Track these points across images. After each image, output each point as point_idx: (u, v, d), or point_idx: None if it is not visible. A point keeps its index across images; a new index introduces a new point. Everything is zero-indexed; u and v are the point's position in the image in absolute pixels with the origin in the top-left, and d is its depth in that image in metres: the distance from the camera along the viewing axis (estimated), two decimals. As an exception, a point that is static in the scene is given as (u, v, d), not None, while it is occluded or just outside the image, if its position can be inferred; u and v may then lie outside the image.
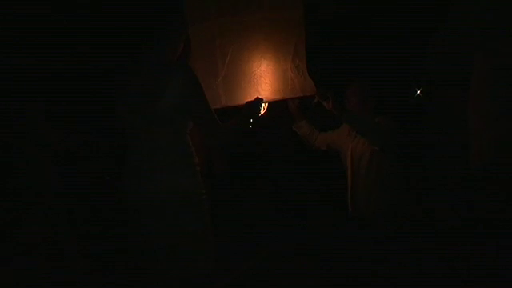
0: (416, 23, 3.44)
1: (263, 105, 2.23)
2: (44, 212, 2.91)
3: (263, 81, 2.25)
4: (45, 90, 2.99)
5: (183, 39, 1.98)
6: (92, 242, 3.08)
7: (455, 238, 2.76)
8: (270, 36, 2.26)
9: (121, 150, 1.96)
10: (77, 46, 3.16)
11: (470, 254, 2.24)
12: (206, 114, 1.88)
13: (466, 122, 2.02)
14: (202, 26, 2.27)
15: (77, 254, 2.96)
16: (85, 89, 3.16)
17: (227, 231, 3.19)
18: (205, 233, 1.85)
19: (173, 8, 1.92)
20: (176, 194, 1.78)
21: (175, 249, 1.81)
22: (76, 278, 2.84)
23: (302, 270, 3.07)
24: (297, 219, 3.84)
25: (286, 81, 2.29)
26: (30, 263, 2.83)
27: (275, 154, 4.38)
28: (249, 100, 2.17)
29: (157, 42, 1.89)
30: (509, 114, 1.87)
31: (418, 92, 3.46)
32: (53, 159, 2.95)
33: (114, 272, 2.90)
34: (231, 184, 3.53)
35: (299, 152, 4.12)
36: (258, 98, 2.16)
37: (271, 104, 2.30)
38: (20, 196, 2.96)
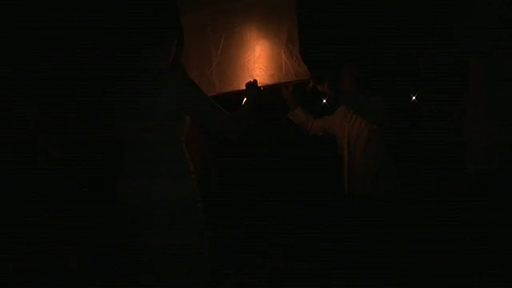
0: (415, 25, 3.45)
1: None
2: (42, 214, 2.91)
3: (257, 66, 2.25)
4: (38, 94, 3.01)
5: (176, 43, 1.96)
6: (91, 246, 3.08)
7: (453, 234, 2.78)
8: (263, 22, 2.26)
9: (115, 156, 1.96)
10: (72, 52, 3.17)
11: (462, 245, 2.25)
12: (212, 113, 1.87)
13: (461, 127, 2.04)
14: (194, 14, 2.26)
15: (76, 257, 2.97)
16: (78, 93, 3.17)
17: (229, 232, 3.21)
18: (201, 239, 1.85)
19: (166, 16, 1.91)
20: (171, 202, 1.78)
21: (172, 256, 1.81)
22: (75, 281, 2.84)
23: (304, 269, 3.07)
24: (298, 217, 3.85)
25: (280, 66, 2.29)
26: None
27: (275, 153, 4.38)
28: (243, 87, 2.16)
29: (151, 49, 1.87)
30: (503, 122, 1.89)
31: (414, 98, 3.46)
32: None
33: (114, 277, 2.90)
34: (231, 185, 3.54)
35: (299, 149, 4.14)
36: (250, 81, 2.15)
37: (266, 90, 2.28)
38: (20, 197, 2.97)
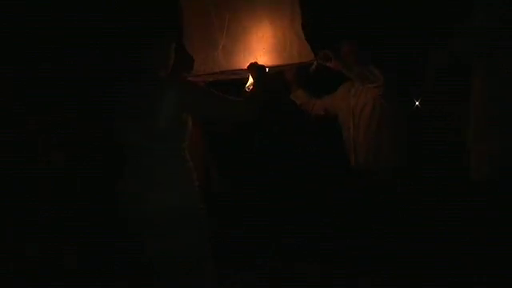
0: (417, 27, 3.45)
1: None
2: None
3: (261, 47, 2.23)
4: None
5: (174, 46, 1.95)
6: (91, 246, 3.08)
7: (453, 234, 2.79)
8: (266, 2, 2.24)
9: (115, 156, 1.96)
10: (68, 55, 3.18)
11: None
12: (220, 106, 1.87)
13: (461, 127, 2.04)
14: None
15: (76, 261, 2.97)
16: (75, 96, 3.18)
17: (229, 232, 3.20)
18: (201, 240, 1.85)
19: (166, 17, 1.91)
20: (175, 210, 1.77)
21: (172, 256, 1.81)
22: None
23: (304, 269, 3.07)
24: (298, 217, 3.84)
25: (284, 47, 2.26)
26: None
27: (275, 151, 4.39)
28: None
29: (151, 49, 1.86)
30: (504, 123, 1.89)
31: (417, 103, 3.48)
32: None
33: (114, 277, 2.90)
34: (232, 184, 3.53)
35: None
36: (252, 63, 2.13)
37: (270, 72, 2.27)
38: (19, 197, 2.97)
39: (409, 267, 2.69)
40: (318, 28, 2.60)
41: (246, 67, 2.14)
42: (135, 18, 1.97)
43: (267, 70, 2.16)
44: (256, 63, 2.12)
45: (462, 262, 2.43)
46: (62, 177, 3.14)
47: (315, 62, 2.51)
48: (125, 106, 1.85)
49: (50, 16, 3.11)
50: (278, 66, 2.29)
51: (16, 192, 2.96)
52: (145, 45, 1.86)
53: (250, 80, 2.17)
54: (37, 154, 3.11)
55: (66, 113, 3.21)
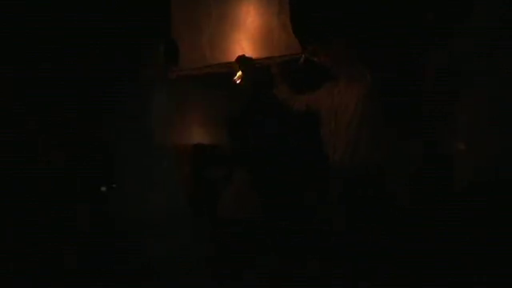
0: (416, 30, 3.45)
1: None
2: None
3: (248, 38, 2.23)
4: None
5: (163, 48, 1.96)
6: (91, 246, 3.08)
7: (453, 234, 2.79)
8: None
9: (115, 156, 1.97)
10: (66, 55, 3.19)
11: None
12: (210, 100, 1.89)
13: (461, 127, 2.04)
14: None
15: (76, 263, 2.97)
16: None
17: (228, 231, 3.20)
18: (203, 247, 1.86)
19: (163, 26, 1.93)
20: (174, 209, 1.79)
21: (174, 263, 1.82)
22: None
23: (305, 268, 3.07)
24: (296, 214, 3.84)
25: (271, 38, 2.27)
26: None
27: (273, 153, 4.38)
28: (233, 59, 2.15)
29: (149, 50, 1.88)
30: (503, 123, 1.89)
31: (417, 103, 3.48)
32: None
33: (114, 277, 2.90)
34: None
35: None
36: (240, 55, 2.12)
37: (257, 64, 2.26)
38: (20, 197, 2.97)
39: (408, 267, 2.69)
40: (315, 27, 2.61)
41: (231, 59, 2.15)
42: (135, 17, 1.99)
43: (253, 61, 2.16)
44: (244, 56, 2.12)
45: (461, 261, 2.43)
46: (61, 177, 3.14)
47: (303, 56, 2.49)
48: (124, 105, 1.86)
49: (50, 16, 3.11)
50: (265, 59, 2.29)
51: (16, 192, 2.96)
52: (144, 45, 1.87)
53: (239, 73, 2.18)
54: (37, 154, 3.11)
55: (65, 113, 3.21)
